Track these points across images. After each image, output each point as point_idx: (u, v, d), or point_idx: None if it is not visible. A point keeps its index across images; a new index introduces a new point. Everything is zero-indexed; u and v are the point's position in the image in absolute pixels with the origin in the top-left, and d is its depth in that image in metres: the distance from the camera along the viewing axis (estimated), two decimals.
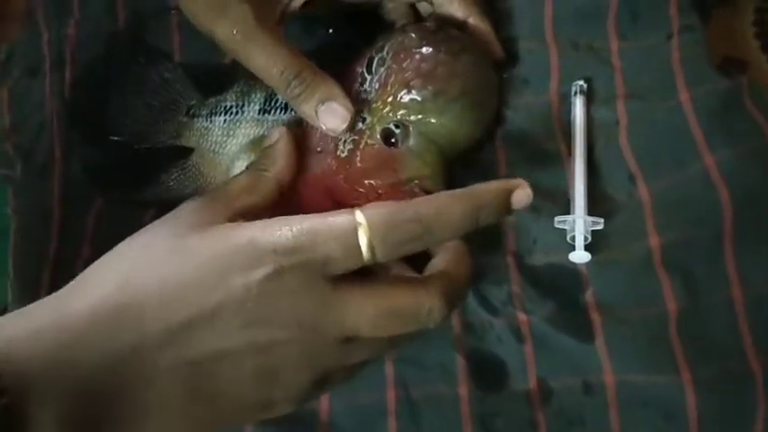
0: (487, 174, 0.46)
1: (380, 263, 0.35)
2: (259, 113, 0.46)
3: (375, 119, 0.43)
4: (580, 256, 0.43)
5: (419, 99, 0.42)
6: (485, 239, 0.45)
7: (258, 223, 0.35)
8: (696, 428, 0.40)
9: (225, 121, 0.47)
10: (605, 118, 0.46)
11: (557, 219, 0.44)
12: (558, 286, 0.44)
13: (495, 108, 0.46)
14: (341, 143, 0.43)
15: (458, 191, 0.36)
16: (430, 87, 0.42)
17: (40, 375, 0.31)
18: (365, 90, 0.44)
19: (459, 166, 0.45)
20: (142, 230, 0.36)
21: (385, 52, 0.44)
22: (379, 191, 0.42)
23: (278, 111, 0.45)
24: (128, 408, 0.32)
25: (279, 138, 0.42)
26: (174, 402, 0.33)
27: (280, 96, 0.45)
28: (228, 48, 0.42)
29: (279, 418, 0.37)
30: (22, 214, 0.51)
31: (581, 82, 0.46)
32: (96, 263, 0.35)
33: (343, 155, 0.43)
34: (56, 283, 0.47)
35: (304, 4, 0.46)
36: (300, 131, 0.44)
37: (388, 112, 0.43)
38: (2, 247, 0.51)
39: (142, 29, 0.54)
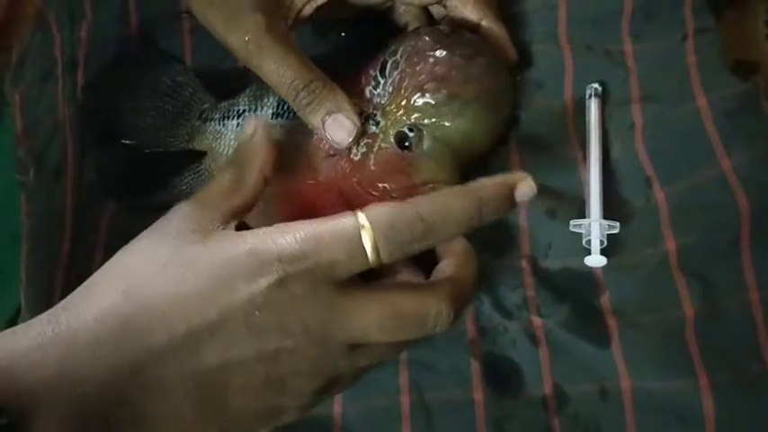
0: None
1: (388, 266, 0.35)
2: (272, 117, 0.46)
3: (389, 122, 0.43)
4: (596, 260, 0.42)
5: (433, 102, 0.42)
6: (499, 243, 0.45)
7: (261, 231, 0.34)
8: None
9: (238, 124, 0.47)
10: (620, 121, 0.46)
11: (572, 222, 0.44)
12: (574, 290, 0.43)
13: (509, 111, 0.46)
14: (354, 147, 0.43)
15: (460, 187, 0.35)
16: (444, 91, 0.42)
17: (44, 391, 0.30)
18: (378, 93, 0.44)
19: (473, 169, 0.44)
20: (136, 240, 0.36)
21: (398, 55, 0.44)
22: (393, 194, 0.42)
23: (290, 115, 0.45)
24: (134, 421, 0.32)
25: (255, 130, 0.41)
26: (181, 414, 0.33)
27: None
28: (240, 55, 0.42)
29: (293, 422, 0.37)
30: (34, 218, 0.51)
31: (596, 85, 0.46)
32: (96, 274, 0.35)
33: (356, 158, 0.43)
34: (69, 288, 0.47)
35: (316, 9, 0.45)
36: (312, 134, 0.44)
37: (401, 116, 0.43)
38: (15, 253, 0.51)
39: (154, 33, 0.54)
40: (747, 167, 0.43)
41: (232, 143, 0.47)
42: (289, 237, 0.33)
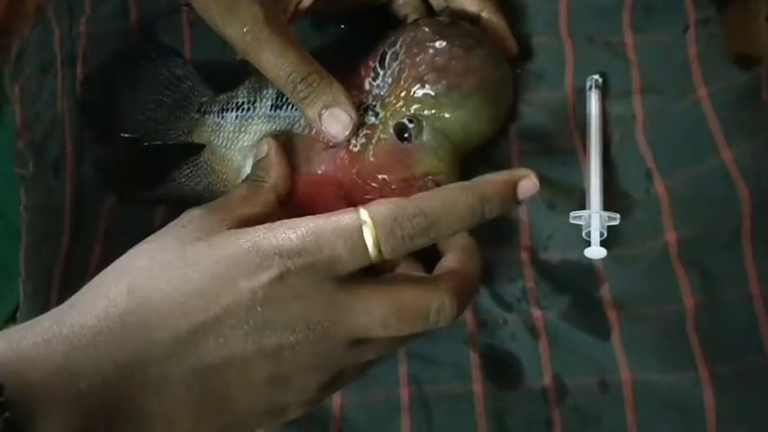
0: (501, 169, 0.45)
1: (390, 262, 0.34)
2: (271, 109, 0.46)
3: (388, 113, 0.43)
4: (596, 251, 0.42)
5: (433, 93, 0.42)
6: (499, 235, 0.45)
7: (261, 227, 0.34)
8: (714, 426, 0.40)
9: (236, 117, 0.47)
10: (621, 113, 0.46)
11: (572, 214, 0.43)
12: (574, 282, 0.43)
13: (509, 103, 0.46)
14: (353, 138, 0.43)
15: (463, 183, 0.35)
16: (444, 82, 0.42)
17: (48, 387, 0.31)
18: (378, 85, 0.44)
19: (472, 161, 0.44)
20: (145, 241, 0.36)
21: (398, 47, 0.44)
22: (392, 186, 0.41)
23: (289, 107, 0.45)
24: (137, 418, 0.32)
25: (268, 149, 0.42)
26: (185, 411, 0.33)
27: None
28: (238, 47, 0.42)
29: None
30: (33, 212, 0.51)
31: (596, 76, 0.46)
32: (101, 274, 0.35)
33: (355, 149, 0.42)
34: (67, 281, 0.48)
35: (315, 1, 0.45)
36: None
37: (401, 107, 0.42)
38: (16, 249, 0.51)
39: (153, 26, 0.54)
40: (748, 159, 0.43)
41: (231, 135, 0.47)
42: (290, 232, 0.33)
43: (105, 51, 0.53)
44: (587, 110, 0.46)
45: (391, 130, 0.42)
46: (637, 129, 0.45)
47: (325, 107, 0.42)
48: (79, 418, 0.31)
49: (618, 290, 0.43)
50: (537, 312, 0.43)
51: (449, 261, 0.38)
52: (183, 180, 0.48)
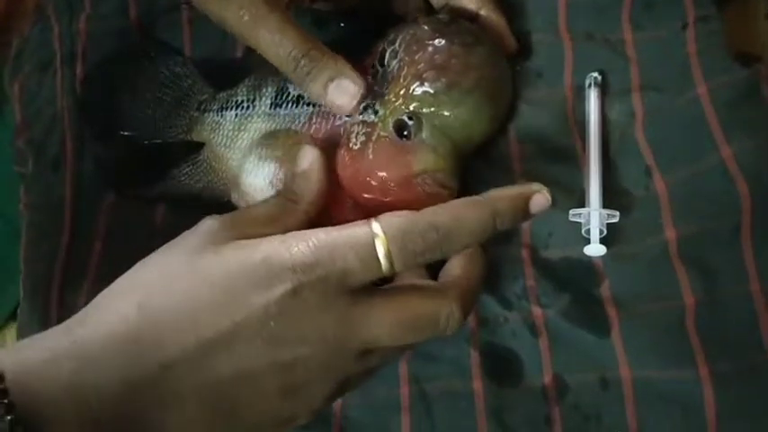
0: (501, 167, 0.46)
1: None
2: (270, 108, 0.46)
3: (388, 111, 0.43)
4: (595, 249, 0.42)
5: (432, 91, 0.42)
6: (499, 233, 0.44)
7: (273, 239, 0.34)
8: (714, 423, 0.40)
9: (236, 115, 0.47)
10: (621, 110, 0.46)
11: (572, 212, 0.43)
12: (574, 280, 0.43)
13: (508, 101, 0.46)
14: (353, 135, 0.43)
15: (475, 197, 0.35)
16: (443, 79, 0.42)
17: (57, 404, 0.30)
18: (378, 82, 0.43)
19: (472, 158, 0.44)
20: (156, 252, 0.36)
21: (397, 44, 0.44)
22: (392, 183, 0.41)
23: (289, 105, 0.45)
24: None
25: (312, 162, 0.39)
26: (196, 426, 0.33)
27: (291, 90, 0.45)
28: (237, 31, 0.42)
29: None
30: (33, 210, 0.51)
31: (595, 74, 0.46)
32: (111, 287, 0.35)
33: (355, 147, 0.42)
34: (67, 278, 0.48)
35: None
36: (309, 129, 0.44)
37: (400, 105, 0.42)
38: (16, 248, 0.51)
39: (153, 24, 0.54)
40: (748, 156, 0.43)
41: (230, 134, 0.47)
42: (302, 245, 0.33)
43: (105, 49, 0.53)
44: (586, 107, 0.46)
45: (391, 128, 0.42)
46: (636, 126, 0.45)
47: (331, 79, 0.41)
48: None
49: (618, 287, 0.43)
50: (537, 310, 0.43)
51: (454, 267, 0.38)
52: (183, 178, 0.48)
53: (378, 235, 0.33)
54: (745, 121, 0.44)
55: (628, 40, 0.47)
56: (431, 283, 0.38)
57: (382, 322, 0.34)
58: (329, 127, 0.44)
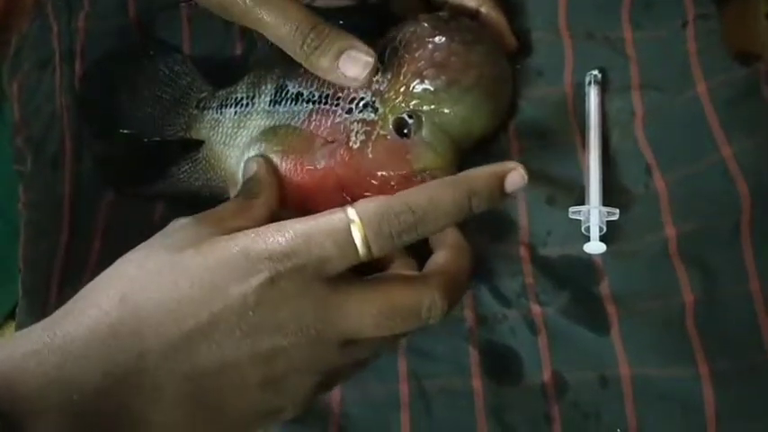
0: None
1: (381, 260, 0.35)
2: (269, 105, 0.46)
3: (387, 109, 0.42)
4: (595, 247, 0.42)
5: (432, 89, 0.42)
6: (498, 231, 0.44)
7: (250, 232, 0.34)
8: (714, 421, 0.40)
9: (235, 113, 0.47)
10: (620, 108, 0.46)
11: (571, 209, 0.43)
12: (573, 278, 0.43)
13: (508, 98, 0.46)
14: (353, 134, 0.43)
15: (449, 177, 0.35)
16: (443, 77, 0.42)
17: (40, 397, 0.30)
18: (377, 80, 0.43)
19: (472, 157, 0.44)
20: (135, 250, 0.36)
21: (397, 42, 0.44)
22: (392, 182, 0.41)
23: (288, 102, 0.45)
24: (131, 427, 0.32)
25: (257, 167, 0.42)
26: (180, 418, 0.33)
27: (290, 87, 0.45)
28: (239, 13, 0.41)
29: None
30: (32, 208, 0.51)
31: (595, 72, 0.46)
32: (93, 282, 0.35)
33: (354, 146, 0.42)
34: (66, 276, 0.48)
35: None
36: (308, 126, 0.44)
37: (400, 103, 0.42)
38: (14, 247, 0.51)
39: (152, 22, 0.54)
40: (748, 154, 0.43)
41: (229, 131, 0.47)
42: (278, 236, 0.33)
43: (104, 47, 0.53)
44: (586, 106, 0.46)
45: (390, 126, 0.42)
46: (636, 124, 0.45)
47: (341, 50, 0.41)
48: (72, 429, 0.31)
49: (617, 285, 0.43)
50: (536, 308, 0.43)
51: (438, 258, 0.38)
52: (182, 176, 0.48)
53: (353, 220, 0.33)
54: (744, 120, 0.44)
55: (628, 39, 0.47)
56: (414, 273, 0.38)
57: (362, 310, 0.34)
58: (328, 124, 0.43)
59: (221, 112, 0.47)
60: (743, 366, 0.40)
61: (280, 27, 0.41)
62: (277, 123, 0.45)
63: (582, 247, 0.43)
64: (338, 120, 0.43)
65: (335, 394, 0.43)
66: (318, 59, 0.41)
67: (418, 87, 0.42)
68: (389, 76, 0.43)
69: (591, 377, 0.42)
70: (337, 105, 0.44)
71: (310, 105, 0.44)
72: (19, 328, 0.49)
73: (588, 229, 0.43)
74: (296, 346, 0.33)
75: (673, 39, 0.46)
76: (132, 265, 0.35)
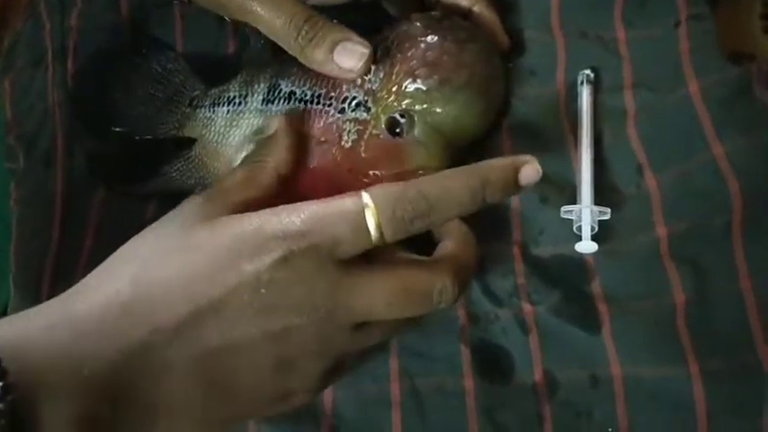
0: None
1: (388, 247, 0.35)
2: (262, 104, 0.46)
3: (380, 108, 0.43)
4: (587, 246, 0.42)
5: (424, 88, 0.42)
6: (490, 229, 0.44)
7: (264, 212, 0.34)
8: (705, 421, 0.40)
9: (228, 111, 0.47)
10: (613, 108, 0.46)
11: (563, 209, 0.43)
12: (565, 277, 0.43)
13: (501, 97, 0.46)
14: (345, 133, 0.43)
15: (465, 167, 0.35)
16: (435, 76, 0.42)
17: (52, 372, 0.31)
18: (370, 80, 0.43)
19: (464, 156, 0.44)
20: (146, 229, 0.36)
21: (390, 41, 0.44)
22: (384, 181, 0.41)
23: (281, 101, 0.45)
24: (141, 404, 0.32)
25: (278, 127, 0.42)
26: (190, 397, 0.33)
27: (283, 86, 0.45)
28: (234, 7, 0.41)
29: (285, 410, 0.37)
30: (24, 205, 0.51)
31: (587, 71, 0.46)
32: (105, 263, 0.35)
33: (347, 145, 0.42)
34: (58, 274, 0.48)
35: None
36: (303, 122, 0.44)
37: (393, 102, 0.42)
38: (6, 246, 0.51)
39: (145, 19, 0.53)
40: (740, 154, 0.43)
41: (222, 130, 0.47)
42: (293, 216, 0.34)
43: (97, 45, 0.53)
44: (579, 105, 0.46)
45: (383, 126, 0.42)
46: (628, 123, 0.45)
47: (336, 42, 0.41)
48: (83, 403, 0.31)
49: (609, 284, 0.43)
50: (528, 307, 0.43)
51: (447, 246, 0.38)
52: (175, 174, 0.48)
53: (368, 205, 0.33)
54: (737, 120, 0.44)
55: (620, 39, 0.47)
56: (425, 258, 0.38)
57: (374, 292, 0.34)
58: (321, 124, 0.43)
59: (214, 111, 0.47)
60: (734, 365, 0.40)
61: (274, 20, 0.41)
62: (269, 123, 0.44)
63: (573, 246, 0.43)
64: (331, 119, 0.43)
65: (327, 394, 0.43)
66: (313, 52, 0.41)
67: (410, 87, 0.42)
68: (382, 76, 0.43)
69: (582, 376, 0.42)
70: (330, 105, 0.44)
71: (303, 105, 0.44)
72: None
73: (580, 228, 0.43)
74: (308, 326, 0.33)
75: (665, 38, 0.46)
76: (144, 245, 0.35)
